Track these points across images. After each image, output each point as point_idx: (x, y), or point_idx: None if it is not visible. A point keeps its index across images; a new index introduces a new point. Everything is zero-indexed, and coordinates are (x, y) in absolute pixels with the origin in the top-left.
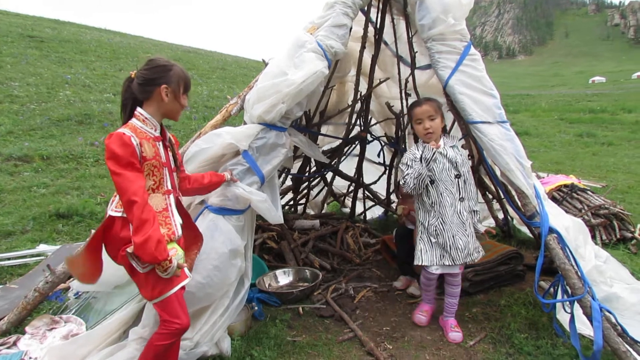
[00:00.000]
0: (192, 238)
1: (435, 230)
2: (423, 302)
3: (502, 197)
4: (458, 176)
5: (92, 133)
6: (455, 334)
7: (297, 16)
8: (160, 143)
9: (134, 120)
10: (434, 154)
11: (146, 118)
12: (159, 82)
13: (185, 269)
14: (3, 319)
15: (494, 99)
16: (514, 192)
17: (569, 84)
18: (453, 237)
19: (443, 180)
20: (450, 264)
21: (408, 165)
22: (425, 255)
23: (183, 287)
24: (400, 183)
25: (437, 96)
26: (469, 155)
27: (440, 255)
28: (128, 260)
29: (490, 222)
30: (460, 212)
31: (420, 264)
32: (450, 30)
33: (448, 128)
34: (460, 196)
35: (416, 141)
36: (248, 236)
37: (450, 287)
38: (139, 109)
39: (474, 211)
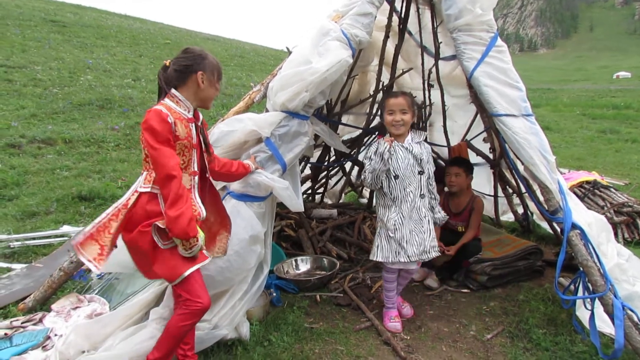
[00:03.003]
0: (221, 221)
1: (394, 225)
2: (387, 307)
3: (523, 191)
4: (421, 173)
5: (112, 118)
6: (394, 324)
7: (315, 5)
8: (193, 125)
9: (167, 100)
10: (385, 149)
11: (180, 100)
12: (196, 68)
13: (205, 251)
14: (29, 296)
15: (519, 92)
16: (536, 187)
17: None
18: (410, 232)
19: (406, 176)
20: (406, 260)
21: (369, 159)
22: (380, 252)
23: (199, 270)
24: (362, 177)
25: (460, 88)
26: (490, 149)
27: (396, 252)
28: (148, 237)
29: (510, 217)
30: (419, 209)
31: (374, 259)
32: (477, 20)
33: (470, 120)
34: (421, 193)
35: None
36: (268, 223)
37: (403, 279)
38: (173, 91)
39: (432, 207)
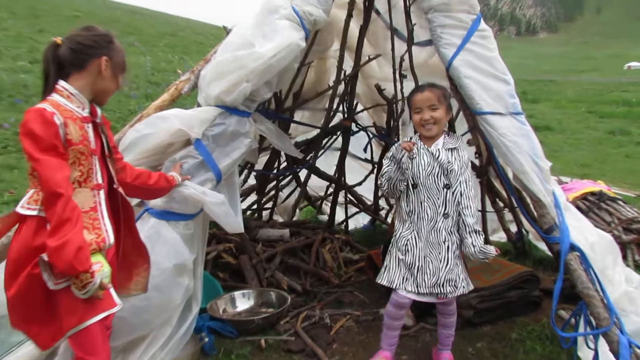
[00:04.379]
0: (136, 250)
1: (406, 245)
2: (382, 346)
3: (515, 205)
4: (448, 186)
5: (0, 112)
6: None
7: None
8: (90, 125)
9: (55, 96)
10: (402, 156)
11: (72, 94)
12: (100, 52)
13: (114, 294)
14: None
15: (506, 86)
16: (529, 200)
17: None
18: (424, 257)
19: (427, 187)
20: (413, 290)
21: (390, 160)
22: (387, 274)
23: (109, 317)
24: (379, 183)
25: (438, 79)
26: (476, 154)
27: (404, 278)
28: (40, 276)
29: (501, 236)
30: (439, 231)
31: (379, 281)
32: None
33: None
34: (445, 211)
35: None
36: (198, 248)
37: (443, 316)
38: (62, 83)
39: (474, 231)
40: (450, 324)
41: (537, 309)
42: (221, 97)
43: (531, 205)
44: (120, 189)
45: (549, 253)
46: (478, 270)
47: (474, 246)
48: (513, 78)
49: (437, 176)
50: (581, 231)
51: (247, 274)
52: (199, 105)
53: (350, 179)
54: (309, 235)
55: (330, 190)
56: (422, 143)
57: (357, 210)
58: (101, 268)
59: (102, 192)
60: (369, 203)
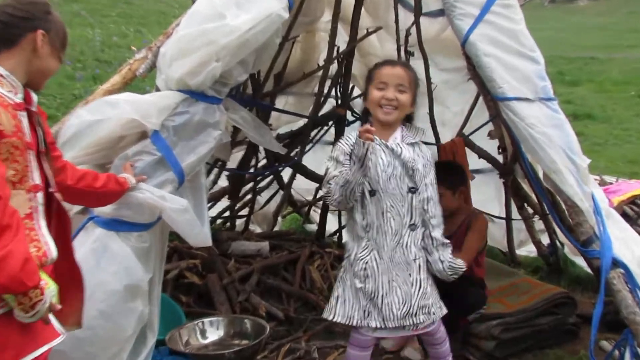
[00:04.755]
0: (69, 272)
1: (365, 268)
2: None
3: (547, 212)
4: (413, 190)
5: None
6: None
7: None
8: (25, 114)
9: None
10: (367, 150)
11: (1, 76)
12: (34, 25)
13: (55, 323)
14: None
15: (535, 65)
16: (563, 205)
17: None
18: (389, 283)
19: (389, 193)
20: (379, 325)
21: (336, 162)
22: (341, 307)
23: (45, 352)
24: (323, 191)
25: (453, 57)
26: (499, 149)
27: (365, 311)
28: None
29: (530, 250)
30: (406, 247)
31: (330, 317)
32: None
33: (469, 106)
34: (412, 222)
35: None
36: (155, 266)
37: (432, 348)
38: None
39: (442, 244)
40: (443, 354)
41: (574, 339)
42: (185, 80)
43: (566, 212)
44: (58, 194)
45: (589, 270)
46: (502, 292)
47: (441, 261)
48: (544, 56)
49: (400, 178)
50: (627, 243)
51: (216, 298)
52: (157, 90)
53: None
54: (293, 250)
55: (320, 193)
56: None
57: None
58: (47, 286)
59: (39, 195)
60: None
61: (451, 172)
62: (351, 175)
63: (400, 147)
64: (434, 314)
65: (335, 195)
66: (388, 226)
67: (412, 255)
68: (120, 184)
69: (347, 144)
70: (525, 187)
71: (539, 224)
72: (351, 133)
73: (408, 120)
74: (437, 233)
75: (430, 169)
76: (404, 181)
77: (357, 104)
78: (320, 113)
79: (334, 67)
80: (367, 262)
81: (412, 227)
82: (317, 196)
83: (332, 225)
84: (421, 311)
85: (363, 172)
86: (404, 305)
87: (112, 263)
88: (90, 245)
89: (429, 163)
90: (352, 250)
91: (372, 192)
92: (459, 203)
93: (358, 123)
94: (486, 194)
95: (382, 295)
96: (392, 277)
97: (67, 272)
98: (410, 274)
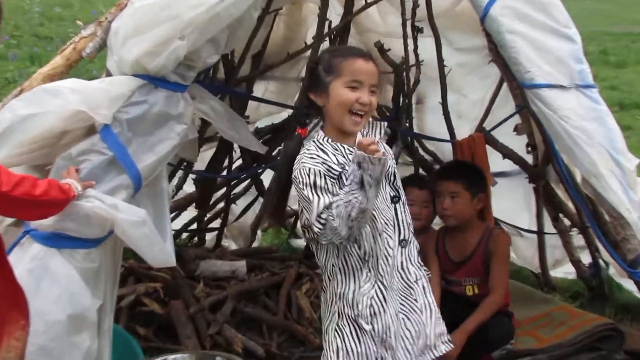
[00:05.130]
0: (7, 296)
1: (371, 305)
2: None
3: (587, 224)
4: (396, 199)
5: None
6: None
7: None
8: None
9: None
10: (383, 166)
11: None
12: None
13: None
14: None
15: (571, 44)
16: (606, 216)
17: None
18: (396, 315)
19: (379, 209)
20: None
21: (320, 190)
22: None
23: None
24: (315, 229)
25: (470, 35)
26: (528, 146)
27: (377, 359)
28: None
29: (568, 271)
30: (402, 268)
31: None
32: None
33: (491, 94)
34: (402, 236)
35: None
36: (106, 291)
37: None
38: None
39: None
40: None
41: None
42: (142, 62)
43: (610, 225)
44: None
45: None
46: (534, 322)
47: None
48: (582, 32)
49: (384, 187)
50: None
51: (181, 330)
52: (108, 75)
53: None
54: (276, 271)
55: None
56: (339, 144)
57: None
58: None
59: None
60: None
61: (470, 172)
62: (366, 202)
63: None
64: (448, 341)
65: (342, 232)
66: (386, 249)
67: (412, 276)
68: (64, 192)
69: (317, 162)
70: (560, 193)
71: (577, 239)
72: (309, 151)
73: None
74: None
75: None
76: (386, 190)
77: None
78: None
79: (324, 47)
80: (372, 298)
81: (403, 243)
82: None
83: None
84: (440, 340)
85: (367, 198)
86: (418, 339)
87: (53, 287)
88: (27, 265)
89: (393, 161)
90: (347, 287)
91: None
92: (474, 214)
93: (321, 138)
94: (513, 203)
95: (394, 332)
96: (397, 308)
97: (5, 294)
98: (416, 299)
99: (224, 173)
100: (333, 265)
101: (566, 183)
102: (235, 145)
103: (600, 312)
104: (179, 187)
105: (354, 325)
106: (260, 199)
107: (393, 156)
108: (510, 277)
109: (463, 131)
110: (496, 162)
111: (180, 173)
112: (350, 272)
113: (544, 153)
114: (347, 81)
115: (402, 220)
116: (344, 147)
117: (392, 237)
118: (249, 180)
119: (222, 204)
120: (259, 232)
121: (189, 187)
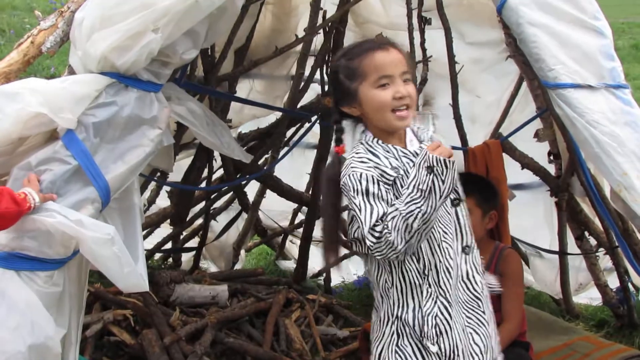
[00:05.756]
0: None
1: (436, 324)
2: None
3: (616, 244)
4: (457, 202)
5: None
6: None
7: None
8: None
9: None
10: (447, 164)
11: None
12: None
13: None
14: None
15: (600, 39)
16: (638, 235)
17: None
18: (463, 331)
19: (439, 216)
20: None
21: (373, 197)
22: None
23: None
24: (369, 242)
25: (485, 27)
26: (550, 154)
27: None
28: None
29: (593, 296)
30: (468, 278)
31: None
32: None
33: (508, 94)
34: (465, 243)
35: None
36: (71, 318)
37: None
38: None
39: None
40: None
41: None
42: (110, 59)
43: None
44: None
45: None
46: (552, 355)
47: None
48: (612, 24)
49: None
50: None
51: None
52: (71, 73)
53: None
54: (262, 296)
55: (300, 217)
56: (391, 145)
57: (347, 252)
58: None
59: None
60: None
61: (482, 186)
62: (432, 212)
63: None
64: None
65: (399, 246)
66: (447, 260)
67: (478, 286)
68: (17, 203)
69: (369, 167)
70: (586, 209)
71: (604, 261)
72: (358, 149)
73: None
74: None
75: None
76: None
77: None
78: (300, 104)
79: (318, 40)
80: (437, 316)
81: (467, 250)
82: (294, 221)
83: (316, 261)
84: (497, 351)
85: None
86: (486, 354)
87: (10, 314)
88: None
89: None
90: (405, 306)
91: None
92: (484, 233)
93: (370, 141)
94: (532, 219)
95: (462, 350)
96: (464, 323)
97: None
98: (484, 311)
99: (203, 185)
100: (386, 281)
101: (593, 197)
102: (216, 153)
103: (629, 343)
104: (152, 201)
105: (417, 347)
106: (244, 215)
107: None
108: (527, 302)
109: (476, 137)
110: (514, 172)
111: (153, 185)
112: (409, 289)
113: (568, 162)
114: (374, 81)
115: (464, 225)
116: (396, 149)
117: (451, 246)
118: (231, 193)
119: (200, 221)
120: (242, 253)
121: (163, 201)
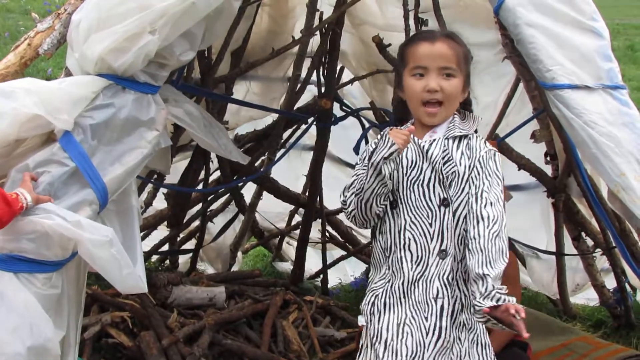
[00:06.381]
0: None
1: (373, 302)
2: None
3: (613, 244)
4: (446, 203)
5: None
6: None
7: None
8: None
9: None
10: (390, 152)
11: None
12: None
13: None
14: None
15: (598, 40)
16: (635, 236)
17: None
18: (398, 326)
19: (411, 205)
20: None
21: (362, 162)
22: None
23: None
24: (340, 200)
25: (481, 28)
26: (547, 155)
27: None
28: None
29: (590, 297)
30: (429, 280)
31: None
32: None
33: (504, 95)
34: (442, 246)
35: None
36: (70, 320)
37: None
38: None
39: (481, 276)
40: None
41: None
42: (107, 60)
43: (639, 245)
44: None
45: None
46: (550, 356)
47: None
48: (608, 24)
49: (428, 186)
50: None
51: None
52: (68, 74)
53: (332, 198)
54: (259, 298)
55: (297, 219)
56: (416, 138)
57: (344, 253)
58: None
59: None
60: (364, 241)
61: None
62: (366, 182)
63: (433, 144)
64: None
65: (350, 207)
66: (406, 250)
67: (433, 292)
68: (7, 203)
69: (370, 147)
70: (583, 209)
71: (601, 262)
72: (386, 131)
73: (465, 107)
74: (484, 270)
75: (483, 171)
76: (434, 190)
77: (347, 93)
78: (296, 106)
79: (315, 42)
80: (377, 295)
81: (442, 253)
82: (292, 223)
83: (313, 263)
84: None
85: (382, 181)
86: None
87: (9, 316)
88: None
89: (483, 165)
90: (371, 279)
91: (393, 204)
92: None
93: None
94: (529, 220)
95: (386, 341)
96: (404, 319)
97: None
98: (427, 318)
99: (200, 187)
100: (372, 256)
101: (590, 197)
102: (213, 155)
103: (626, 343)
104: (149, 203)
105: (366, 331)
106: (241, 217)
107: (481, 159)
108: (524, 303)
109: None
110: (511, 173)
111: (150, 187)
112: (377, 266)
113: (565, 163)
114: (411, 69)
115: (449, 229)
116: (414, 140)
117: (418, 241)
118: (228, 195)
119: (197, 223)
120: (239, 254)
121: (160, 203)
